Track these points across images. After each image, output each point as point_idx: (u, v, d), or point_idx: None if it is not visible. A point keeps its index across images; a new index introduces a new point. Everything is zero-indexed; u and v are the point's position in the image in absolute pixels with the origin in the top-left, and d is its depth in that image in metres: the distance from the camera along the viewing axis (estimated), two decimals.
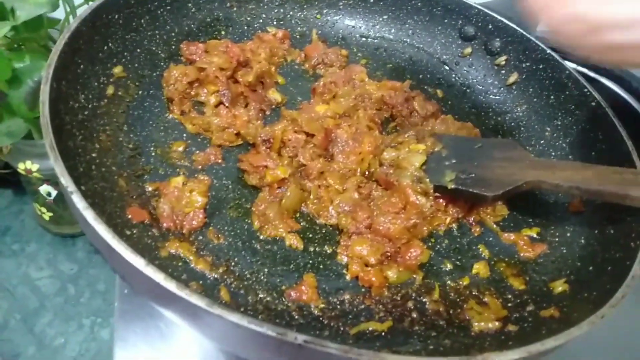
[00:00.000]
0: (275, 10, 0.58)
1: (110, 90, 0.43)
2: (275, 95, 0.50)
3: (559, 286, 0.38)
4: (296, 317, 0.34)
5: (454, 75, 0.58)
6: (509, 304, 0.37)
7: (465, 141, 0.47)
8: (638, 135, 0.69)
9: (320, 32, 0.59)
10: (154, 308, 0.40)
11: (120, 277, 0.29)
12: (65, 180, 0.28)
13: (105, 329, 0.54)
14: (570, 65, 0.78)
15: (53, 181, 0.55)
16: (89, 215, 0.27)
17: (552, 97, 0.52)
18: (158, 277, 0.25)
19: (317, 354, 0.24)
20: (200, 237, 0.38)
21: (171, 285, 0.25)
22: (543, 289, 0.38)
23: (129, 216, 0.36)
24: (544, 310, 0.36)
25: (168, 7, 0.50)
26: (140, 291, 0.29)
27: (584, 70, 0.79)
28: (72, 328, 0.54)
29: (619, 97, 0.77)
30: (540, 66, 0.53)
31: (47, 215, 0.59)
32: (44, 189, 0.55)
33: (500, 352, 0.27)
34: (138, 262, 0.25)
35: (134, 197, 0.38)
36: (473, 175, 0.42)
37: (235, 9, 0.56)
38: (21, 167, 0.52)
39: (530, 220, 0.45)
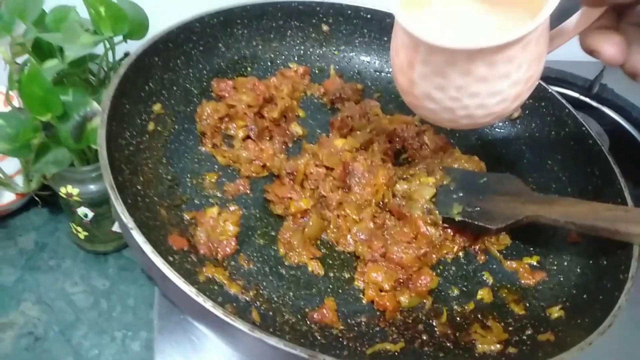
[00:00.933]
0: (297, 48, 0.63)
1: (150, 126, 0.48)
2: (297, 129, 0.55)
3: (556, 312, 0.42)
4: (318, 337, 0.38)
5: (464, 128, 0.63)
6: (510, 328, 0.41)
7: (471, 175, 0.51)
8: (637, 160, 0.73)
9: (337, 67, 0.64)
10: (188, 324, 0.44)
11: (169, 300, 0.34)
12: (125, 218, 0.32)
13: (135, 342, 0.58)
14: (573, 94, 0.83)
15: (90, 204, 0.59)
16: (147, 248, 0.31)
17: (552, 133, 0.56)
18: (207, 304, 0.29)
19: None
20: (233, 263, 0.42)
21: (218, 311, 0.29)
22: (541, 314, 0.42)
23: (171, 243, 0.40)
24: (541, 335, 0.40)
25: (201, 48, 0.55)
26: (187, 312, 0.33)
27: (587, 99, 0.84)
28: (105, 340, 0.58)
29: (620, 125, 0.81)
30: (542, 104, 0.57)
31: (82, 235, 0.63)
32: (82, 210, 0.59)
33: None
34: (191, 290, 0.29)
35: (174, 225, 0.43)
36: (478, 208, 0.46)
37: (260, 47, 0.61)
38: (62, 191, 0.57)
39: (531, 249, 0.49)
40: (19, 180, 0.62)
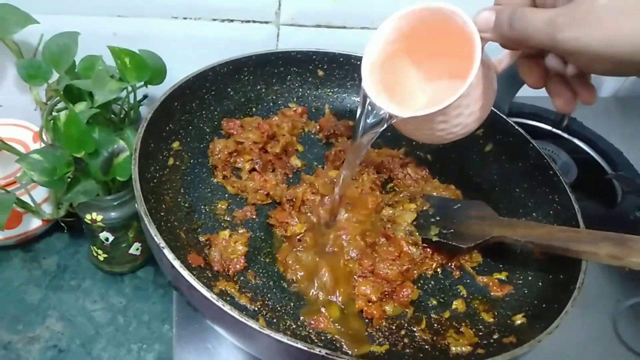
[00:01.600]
0: (295, 90, 0.71)
1: (170, 161, 0.55)
2: (296, 162, 0.63)
3: (519, 319, 0.49)
4: (315, 340, 0.45)
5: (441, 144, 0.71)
6: (480, 333, 0.48)
7: (447, 202, 0.58)
8: (604, 186, 0.81)
9: (331, 106, 0.72)
10: (203, 333, 0.51)
11: (192, 307, 0.40)
12: (158, 239, 0.39)
13: (150, 354, 0.64)
14: (545, 126, 0.91)
15: (111, 229, 0.66)
16: (177, 264, 0.38)
17: (519, 164, 0.64)
18: (225, 307, 0.36)
19: None
20: (242, 278, 0.49)
21: (234, 313, 0.36)
22: (507, 322, 0.49)
23: (190, 261, 0.47)
24: (505, 338, 0.46)
25: (212, 93, 0.63)
26: (208, 316, 0.39)
27: (558, 131, 0.92)
28: (122, 352, 0.64)
29: (588, 155, 0.89)
30: (510, 139, 0.65)
31: (102, 257, 0.70)
32: (103, 235, 0.66)
33: None
34: (212, 297, 0.36)
35: (192, 246, 0.50)
36: (452, 230, 0.53)
37: (263, 90, 0.69)
38: (88, 217, 0.63)
39: (501, 265, 0.56)
40: (46, 207, 0.69)
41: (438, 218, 0.55)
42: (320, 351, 0.35)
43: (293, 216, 0.54)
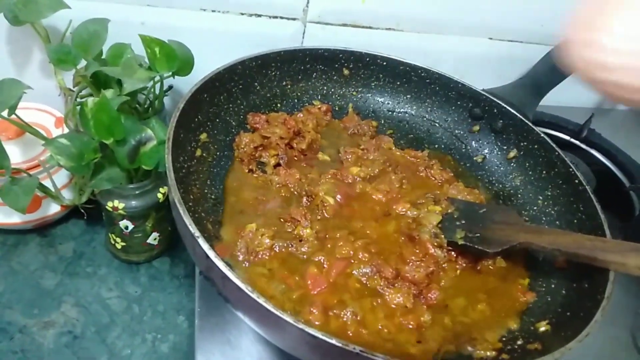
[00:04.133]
0: (320, 88, 0.71)
1: (198, 152, 0.55)
2: (324, 157, 0.63)
3: (543, 326, 0.49)
4: None
5: (464, 148, 0.71)
6: (504, 339, 0.48)
7: (473, 206, 0.58)
8: (621, 198, 0.81)
9: (355, 106, 0.72)
10: (225, 324, 0.51)
11: (223, 297, 0.40)
12: (192, 229, 0.39)
13: (164, 344, 0.64)
14: (564, 136, 0.91)
15: (131, 217, 0.66)
16: (211, 254, 0.38)
17: (544, 172, 0.64)
18: (260, 299, 0.36)
19: None
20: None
21: (269, 305, 0.36)
22: (530, 328, 0.49)
23: (217, 252, 0.47)
24: (530, 344, 0.46)
25: (240, 87, 0.63)
26: (239, 307, 0.39)
27: (577, 142, 0.92)
28: (137, 342, 0.64)
29: (606, 167, 0.89)
30: (535, 146, 0.65)
31: (119, 245, 0.69)
32: (123, 223, 0.66)
33: None
34: (247, 288, 0.36)
35: (218, 237, 0.50)
36: (478, 235, 0.53)
37: (289, 86, 0.69)
38: (109, 204, 0.63)
39: (524, 272, 0.56)
40: (66, 193, 0.69)
41: (463, 222, 0.55)
42: (354, 348, 0.34)
43: (307, 218, 0.53)
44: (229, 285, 0.37)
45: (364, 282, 0.49)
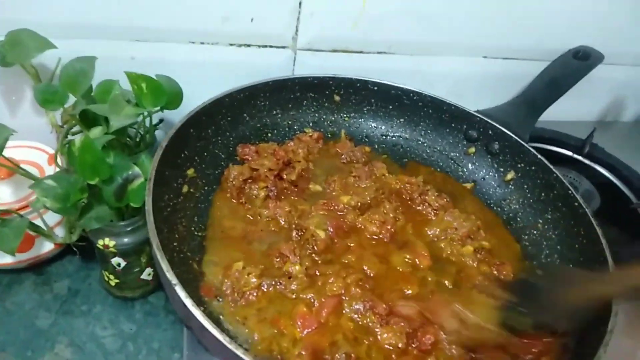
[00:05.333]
0: (311, 115, 0.71)
1: (185, 189, 0.55)
2: (316, 187, 0.62)
3: None
4: None
5: (460, 170, 0.69)
6: None
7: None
8: (628, 214, 0.78)
9: (347, 131, 0.71)
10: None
11: (203, 346, 0.39)
12: (170, 276, 0.38)
13: None
14: (566, 152, 0.89)
15: (123, 254, 0.65)
16: (188, 302, 0.37)
17: (542, 194, 0.62)
18: (239, 351, 0.35)
19: None
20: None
21: (247, 357, 0.34)
22: None
23: (202, 294, 0.46)
24: None
25: (228, 118, 0.62)
26: (219, 356, 0.38)
27: (579, 157, 0.90)
28: None
29: (610, 182, 0.86)
30: (532, 168, 0.63)
31: (113, 282, 0.68)
32: (115, 260, 0.65)
33: None
34: (225, 339, 0.35)
35: (203, 278, 0.48)
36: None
37: (279, 115, 0.68)
38: (100, 243, 0.63)
39: None
40: (58, 231, 0.69)
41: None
42: None
43: (296, 253, 0.51)
44: (207, 336, 0.35)
45: (357, 320, 0.47)
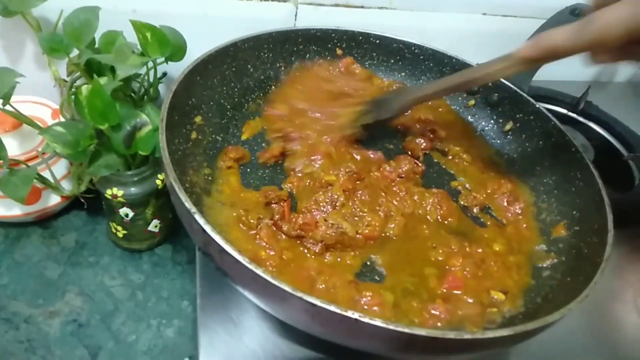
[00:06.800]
0: None
1: (193, 135, 0.55)
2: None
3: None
4: None
5: None
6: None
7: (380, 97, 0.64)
8: (620, 169, 0.80)
9: None
10: (227, 302, 0.51)
11: (222, 272, 0.40)
12: (188, 204, 0.40)
13: (169, 329, 0.65)
14: (561, 110, 0.91)
15: (131, 205, 0.66)
16: (208, 228, 0.38)
17: (540, 142, 0.64)
18: (258, 270, 0.36)
19: (367, 326, 0.35)
20: None
21: (267, 276, 0.36)
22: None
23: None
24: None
25: (233, 69, 0.63)
26: (238, 280, 0.39)
27: (574, 115, 0.91)
28: (142, 327, 0.64)
29: (604, 138, 0.88)
30: (531, 117, 0.65)
31: (121, 233, 0.70)
32: (123, 211, 0.66)
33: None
34: (244, 260, 0.36)
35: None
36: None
37: (283, 68, 0.69)
38: (108, 192, 0.64)
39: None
40: (65, 184, 0.70)
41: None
42: (352, 314, 0.35)
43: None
44: (227, 259, 0.37)
45: None
